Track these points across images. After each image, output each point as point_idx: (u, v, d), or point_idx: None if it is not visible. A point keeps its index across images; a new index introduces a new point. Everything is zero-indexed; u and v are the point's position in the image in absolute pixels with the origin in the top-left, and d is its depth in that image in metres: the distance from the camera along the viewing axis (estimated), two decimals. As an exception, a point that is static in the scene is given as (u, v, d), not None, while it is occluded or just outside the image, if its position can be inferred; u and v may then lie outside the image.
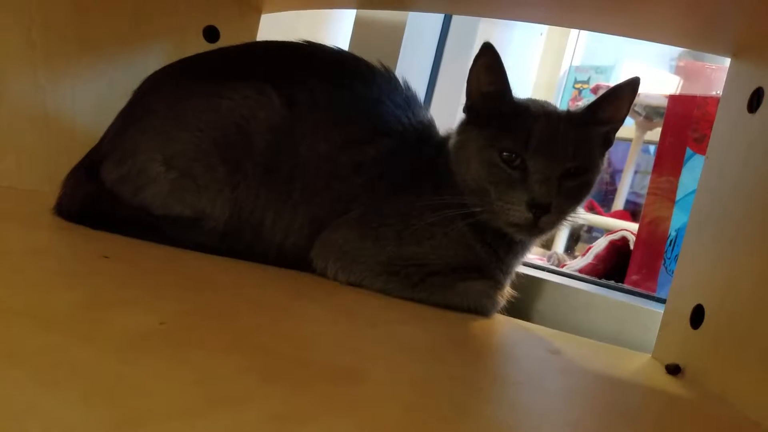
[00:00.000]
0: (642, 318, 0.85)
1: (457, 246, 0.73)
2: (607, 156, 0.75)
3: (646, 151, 2.20)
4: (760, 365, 0.52)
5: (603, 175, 0.74)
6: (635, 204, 2.12)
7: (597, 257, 1.20)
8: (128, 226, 0.71)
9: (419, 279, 0.72)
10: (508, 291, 0.77)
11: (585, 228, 1.98)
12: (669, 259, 1.08)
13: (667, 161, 1.12)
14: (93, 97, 0.92)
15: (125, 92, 0.79)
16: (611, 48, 2.51)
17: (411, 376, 0.45)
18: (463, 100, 0.74)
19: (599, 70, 2.48)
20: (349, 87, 0.77)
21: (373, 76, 0.79)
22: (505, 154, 0.68)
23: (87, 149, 0.78)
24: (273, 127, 0.74)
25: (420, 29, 1.21)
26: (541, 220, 0.66)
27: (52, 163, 0.85)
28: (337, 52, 0.81)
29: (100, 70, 0.93)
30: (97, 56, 0.93)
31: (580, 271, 1.18)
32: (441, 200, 0.70)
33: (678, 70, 2.10)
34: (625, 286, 1.10)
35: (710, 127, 0.71)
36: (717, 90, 1.53)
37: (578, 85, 2.52)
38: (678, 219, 1.10)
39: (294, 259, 0.74)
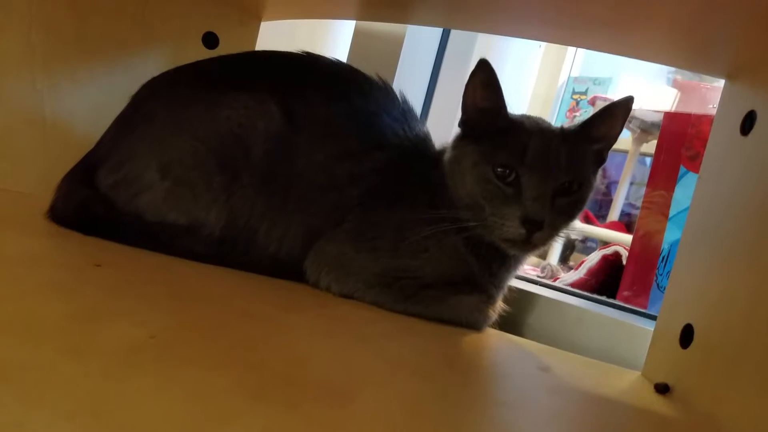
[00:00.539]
0: (632, 335, 0.86)
1: (451, 260, 0.73)
2: (600, 172, 0.75)
3: (642, 162, 2.21)
4: (749, 385, 0.53)
5: (599, 186, 0.75)
6: (630, 215, 2.13)
7: (589, 272, 1.20)
8: (122, 232, 0.71)
9: (412, 292, 0.72)
10: (500, 305, 0.77)
11: (580, 238, 1.98)
12: (661, 275, 1.09)
13: (661, 177, 1.12)
14: (91, 101, 0.92)
15: (123, 97, 0.79)
16: (609, 60, 2.52)
17: (400, 395, 0.45)
18: (459, 114, 0.74)
19: (597, 81, 2.49)
20: (346, 99, 0.77)
21: (370, 88, 0.80)
22: (499, 169, 0.68)
23: (84, 153, 0.78)
24: (270, 137, 0.74)
25: (418, 42, 1.21)
26: (534, 236, 0.67)
27: (48, 167, 0.84)
28: (336, 64, 0.81)
29: (99, 74, 0.93)
30: (96, 60, 0.93)
31: (573, 285, 1.19)
32: (435, 214, 0.70)
33: (675, 84, 2.11)
34: (617, 301, 1.10)
35: (704, 146, 0.72)
36: (713, 104, 1.54)
37: (576, 96, 2.53)
38: (671, 234, 1.11)
39: (288, 268, 0.74)
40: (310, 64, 0.81)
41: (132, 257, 0.67)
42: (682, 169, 1.09)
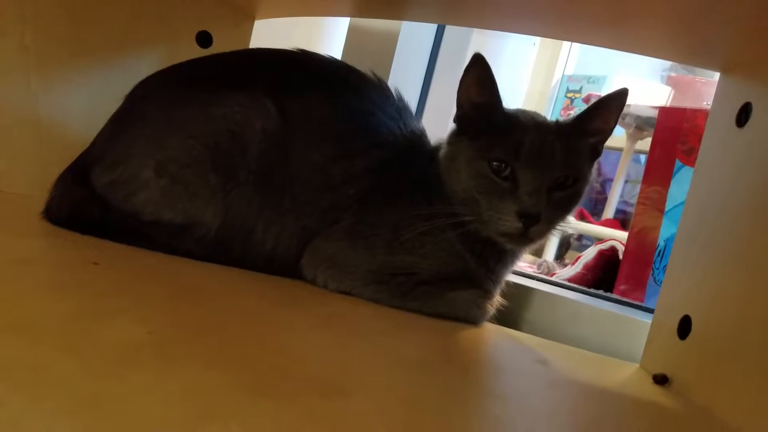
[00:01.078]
0: (630, 328, 0.86)
1: (447, 255, 0.73)
2: (596, 165, 0.75)
3: (636, 160, 2.22)
4: (747, 376, 0.53)
5: (593, 184, 0.75)
6: (625, 213, 2.13)
7: (586, 267, 1.20)
8: (118, 232, 0.70)
9: (409, 288, 0.72)
10: (497, 300, 0.77)
11: (575, 236, 1.99)
12: (657, 269, 1.09)
13: (657, 172, 1.12)
14: (85, 102, 0.92)
15: (117, 97, 0.79)
16: (603, 58, 2.53)
17: (399, 390, 0.45)
18: (454, 110, 0.74)
19: (591, 79, 2.50)
20: (341, 97, 0.77)
21: (365, 86, 0.80)
22: (494, 164, 0.68)
23: (79, 154, 0.78)
24: (266, 136, 0.74)
25: (413, 39, 1.21)
26: (530, 230, 0.67)
27: (43, 168, 0.84)
28: (330, 62, 0.81)
29: (93, 75, 0.93)
30: (90, 61, 0.92)
31: (570, 280, 1.19)
32: (431, 210, 0.70)
33: (669, 81, 2.12)
34: (614, 295, 1.10)
35: (699, 140, 0.72)
36: (708, 101, 1.55)
37: (570, 95, 2.54)
38: (667, 229, 1.11)
39: (284, 267, 0.74)
40: (305, 62, 0.80)
41: (129, 256, 0.67)
42: (678, 163, 1.10)
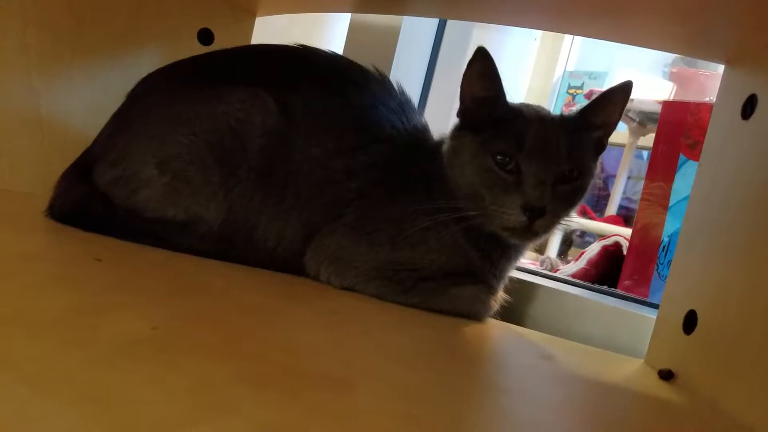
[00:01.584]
0: (634, 323, 0.85)
1: (451, 251, 0.73)
2: (599, 161, 0.75)
3: (639, 156, 2.22)
4: (753, 371, 0.52)
5: (596, 180, 0.75)
6: (628, 209, 2.13)
7: (590, 262, 1.20)
8: (121, 228, 0.70)
9: (412, 284, 0.72)
10: (501, 296, 0.77)
11: (578, 233, 1.99)
12: (662, 264, 1.08)
13: (660, 167, 1.12)
14: (87, 99, 0.92)
15: (119, 95, 0.79)
16: (605, 54, 2.53)
17: (402, 385, 0.44)
18: (457, 104, 0.74)
19: (593, 75, 2.50)
20: (343, 92, 0.77)
21: (367, 81, 0.79)
22: (498, 158, 0.68)
23: (81, 152, 0.78)
24: (268, 132, 0.74)
25: (414, 33, 1.21)
26: (535, 224, 0.66)
27: (45, 166, 0.84)
28: (332, 57, 0.81)
29: (94, 72, 0.93)
30: (91, 59, 0.92)
31: (573, 276, 1.18)
32: (434, 204, 0.70)
33: (671, 76, 2.11)
34: (618, 291, 1.10)
35: (703, 134, 0.71)
36: (710, 96, 1.54)
37: (572, 91, 2.54)
38: (671, 225, 1.10)
39: (287, 263, 0.74)
40: (306, 58, 0.80)
41: (132, 252, 0.67)
42: (682, 157, 1.09)
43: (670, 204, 1.10)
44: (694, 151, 1.08)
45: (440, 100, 1.26)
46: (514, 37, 2.12)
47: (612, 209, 2.04)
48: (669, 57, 2.10)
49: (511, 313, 0.80)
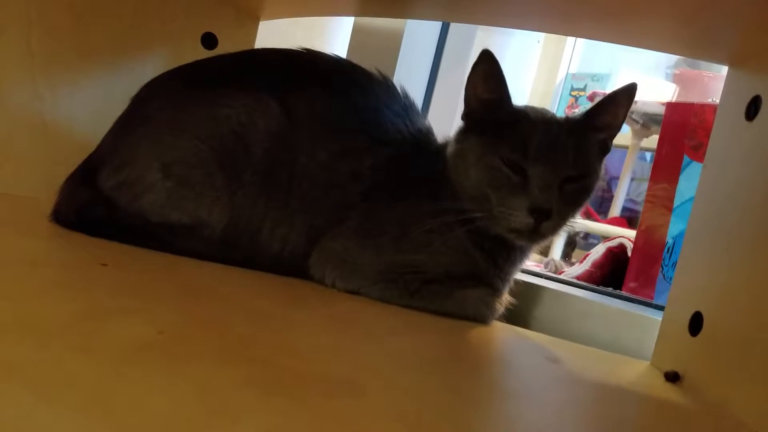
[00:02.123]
0: (639, 325, 0.85)
1: (456, 253, 0.73)
2: (604, 162, 0.75)
3: (642, 158, 2.21)
4: (759, 372, 0.52)
5: (601, 182, 0.75)
6: (632, 211, 2.13)
7: (594, 264, 1.20)
8: (125, 233, 0.70)
9: (417, 287, 0.72)
10: (506, 298, 0.76)
11: (581, 234, 1.98)
12: (666, 266, 1.08)
13: (665, 169, 1.12)
14: (91, 104, 0.92)
15: (123, 99, 0.79)
16: (608, 56, 2.52)
17: (409, 389, 0.44)
18: (460, 107, 0.74)
19: (596, 77, 2.49)
20: (347, 95, 0.77)
21: (370, 84, 0.79)
22: (505, 160, 0.68)
23: (85, 156, 0.78)
24: (272, 135, 0.74)
25: (418, 36, 1.21)
26: (542, 226, 0.66)
27: (49, 171, 0.84)
28: (335, 60, 0.81)
29: (98, 77, 0.93)
30: (96, 63, 0.92)
31: (578, 278, 1.18)
32: (439, 206, 0.70)
33: (674, 78, 2.11)
34: (623, 293, 1.10)
35: (707, 135, 0.71)
36: (713, 98, 1.54)
37: (575, 93, 2.53)
38: (675, 227, 1.10)
39: (291, 266, 0.74)
40: (309, 61, 0.80)
41: (137, 257, 0.67)
42: (686, 159, 1.09)
43: (675, 205, 1.10)
44: (698, 152, 1.07)
45: (444, 102, 1.26)
46: (517, 39, 2.11)
47: (615, 211, 2.04)
48: (672, 58, 2.10)
49: (517, 316, 0.80)
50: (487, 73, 0.70)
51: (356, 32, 1.19)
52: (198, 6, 0.98)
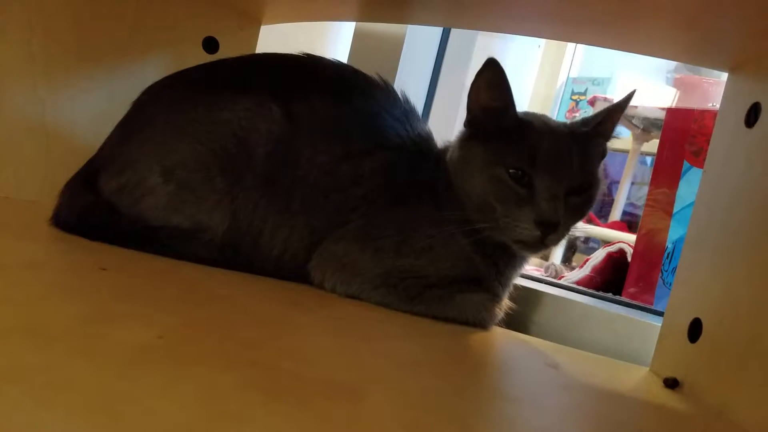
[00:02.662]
0: (639, 331, 0.85)
1: (456, 258, 0.73)
2: (603, 167, 0.75)
3: (642, 162, 2.22)
4: (759, 379, 0.52)
5: (602, 187, 0.75)
6: (632, 215, 2.13)
7: (594, 269, 1.20)
8: (126, 237, 0.71)
9: (417, 292, 0.72)
10: (506, 303, 0.76)
11: (582, 238, 1.98)
12: (666, 271, 1.08)
13: (665, 174, 1.12)
14: (92, 108, 0.92)
15: (124, 103, 0.79)
16: (608, 60, 2.53)
17: (410, 392, 0.44)
18: (461, 112, 0.74)
19: (596, 81, 2.50)
20: (347, 100, 0.77)
21: (371, 89, 0.80)
22: (512, 170, 0.67)
23: (85, 160, 0.78)
24: (273, 139, 0.74)
25: (419, 42, 1.21)
26: (548, 238, 0.66)
27: (50, 174, 0.85)
28: (336, 65, 0.81)
29: (99, 81, 0.93)
30: (97, 67, 0.93)
31: (578, 283, 1.18)
32: (443, 216, 0.70)
33: (675, 83, 2.11)
34: (623, 298, 1.10)
35: (707, 141, 0.72)
36: (713, 102, 1.54)
37: (575, 97, 2.54)
38: (675, 232, 1.10)
39: (292, 270, 0.74)
40: (310, 66, 0.81)
41: (137, 261, 0.67)
42: (686, 164, 1.09)
43: (675, 210, 1.10)
44: (698, 158, 1.08)
45: (444, 107, 1.26)
46: (517, 43, 2.12)
47: (616, 215, 2.04)
48: (672, 63, 2.10)
49: (517, 321, 0.80)
50: (491, 80, 0.69)
51: (357, 37, 1.19)
52: (199, 10, 0.99)
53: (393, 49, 1.15)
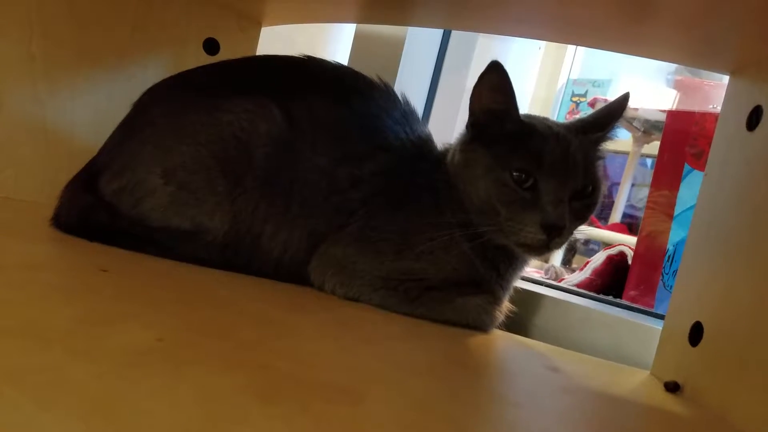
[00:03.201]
0: (640, 334, 0.85)
1: (456, 261, 0.73)
2: (603, 170, 0.75)
3: (643, 164, 2.21)
4: (760, 382, 0.52)
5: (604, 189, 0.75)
6: (632, 217, 2.13)
7: (595, 272, 1.19)
8: (126, 238, 0.70)
9: (417, 294, 0.72)
10: (506, 306, 0.76)
11: (582, 241, 1.98)
12: (667, 274, 1.08)
13: (666, 176, 1.12)
14: (92, 109, 0.92)
15: (124, 104, 0.79)
16: (608, 62, 2.53)
17: (410, 395, 0.44)
18: (461, 114, 0.74)
19: (596, 83, 2.50)
20: (347, 101, 0.77)
21: (371, 91, 0.80)
22: (516, 174, 0.67)
23: (86, 161, 0.78)
24: (273, 141, 0.74)
25: (419, 44, 1.21)
26: (553, 241, 0.66)
27: (50, 175, 0.84)
28: (336, 67, 0.81)
29: (100, 82, 0.93)
30: (97, 68, 0.93)
31: (578, 285, 1.18)
32: (445, 219, 0.70)
33: (675, 84, 2.11)
34: (623, 301, 1.09)
35: (708, 143, 0.71)
36: (714, 104, 1.54)
37: (575, 99, 2.54)
38: (676, 234, 1.10)
39: (292, 272, 0.74)
40: (311, 68, 0.81)
41: (137, 262, 0.67)
42: (687, 167, 1.09)
43: (676, 213, 1.10)
44: (699, 160, 1.07)
45: (445, 109, 1.26)
46: (518, 45, 2.12)
47: (616, 217, 2.04)
48: (672, 65, 2.10)
49: (517, 324, 0.80)
50: (495, 83, 0.69)
51: (358, 39, 1.19)
52: (200, 11, 0.99)
53: (393, 51, 1.15)
